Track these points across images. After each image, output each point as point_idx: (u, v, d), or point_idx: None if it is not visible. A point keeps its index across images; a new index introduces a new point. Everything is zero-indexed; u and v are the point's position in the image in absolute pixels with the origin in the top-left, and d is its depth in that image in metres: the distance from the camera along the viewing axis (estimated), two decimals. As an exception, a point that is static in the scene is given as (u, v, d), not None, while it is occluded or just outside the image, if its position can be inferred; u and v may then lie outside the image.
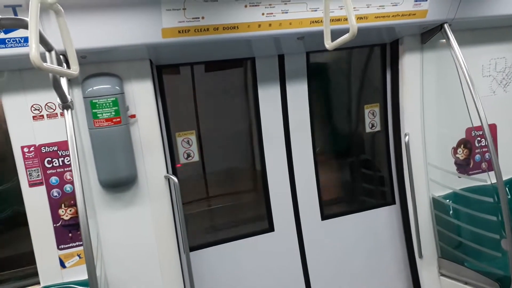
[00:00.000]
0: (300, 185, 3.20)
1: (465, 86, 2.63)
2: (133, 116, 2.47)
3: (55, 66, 1.47)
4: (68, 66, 1.54)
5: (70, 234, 2.42)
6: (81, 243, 2.33)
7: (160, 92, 2.75)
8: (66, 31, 1.42)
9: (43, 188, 2.36)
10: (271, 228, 3.17)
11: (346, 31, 1.53)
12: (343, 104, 3.56)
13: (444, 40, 2.74)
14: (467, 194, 3.02)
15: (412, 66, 3.03)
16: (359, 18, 2.45)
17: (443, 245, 3.18)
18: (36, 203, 2.36)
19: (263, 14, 2.28)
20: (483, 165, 3.26)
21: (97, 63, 2.36)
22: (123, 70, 2.42)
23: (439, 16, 2.66)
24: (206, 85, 3.10)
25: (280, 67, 3.03)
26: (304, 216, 3.23)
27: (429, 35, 2.90)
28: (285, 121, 3.11)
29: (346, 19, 1.49)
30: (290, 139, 3.14)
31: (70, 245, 2.43)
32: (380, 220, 3.39)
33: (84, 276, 2.11)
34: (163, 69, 2.78)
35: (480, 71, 3.21)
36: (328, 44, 1.69)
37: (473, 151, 3.25)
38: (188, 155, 2.96)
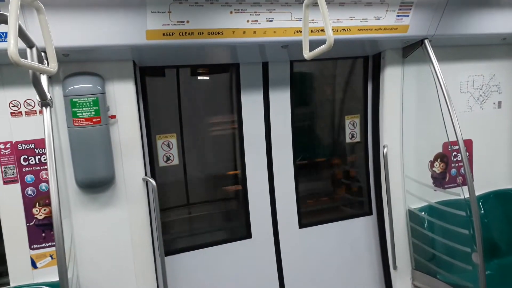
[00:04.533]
0: (279, 193, 3.20)
1: (442, 101, 2.70)
2: (114, 116, 2.45)
3: (33, 63, 1.45)
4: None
5: (43, 234, 2.38)
6: (54, 243, 2.29)
7: (142, 93, 2.74)
8: (46, 28, 1.41)
9: (17, 186, 2.32)
10: (248, 235, 3.16)
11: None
12: (325, 114, 3.60)
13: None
14: (442, 207, 3.07)
15: (393, 79, 3.09)
16: (342, 30, 2.49)
17: (417, 257, 3.23)
18: (10, 201, 2.31)
19: (248, 21, 2.30)
20: (458, 180, 3.33)
21: (80, 62, 2.34)
22: (105, 70, 2.40)
23: (420, 31, 2.72)
24: (189, 89, 3.10)
25: (264, 74, 3.05)
26: (282, 224, 3.23)
27: (410, 49, 2.96)
28: (267, 128, 3.12)
29: None
30: (271, 146, 3.15)
31: (43, 245, 2.38)
32: (357, 230, 3.42)
33: (55, 278, 2.06)
34: (146, 70, 2.77)
35: (459, 87, 3.29)
36: (306, 54, 1.70)
37: (449, 165, 3.32)
38: (168, 158, 2.95)
